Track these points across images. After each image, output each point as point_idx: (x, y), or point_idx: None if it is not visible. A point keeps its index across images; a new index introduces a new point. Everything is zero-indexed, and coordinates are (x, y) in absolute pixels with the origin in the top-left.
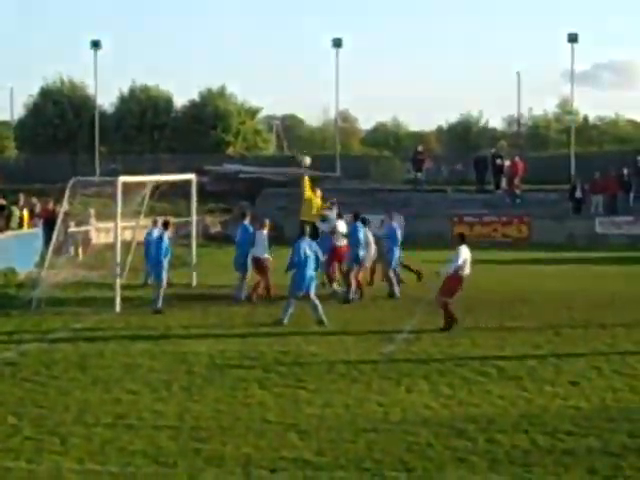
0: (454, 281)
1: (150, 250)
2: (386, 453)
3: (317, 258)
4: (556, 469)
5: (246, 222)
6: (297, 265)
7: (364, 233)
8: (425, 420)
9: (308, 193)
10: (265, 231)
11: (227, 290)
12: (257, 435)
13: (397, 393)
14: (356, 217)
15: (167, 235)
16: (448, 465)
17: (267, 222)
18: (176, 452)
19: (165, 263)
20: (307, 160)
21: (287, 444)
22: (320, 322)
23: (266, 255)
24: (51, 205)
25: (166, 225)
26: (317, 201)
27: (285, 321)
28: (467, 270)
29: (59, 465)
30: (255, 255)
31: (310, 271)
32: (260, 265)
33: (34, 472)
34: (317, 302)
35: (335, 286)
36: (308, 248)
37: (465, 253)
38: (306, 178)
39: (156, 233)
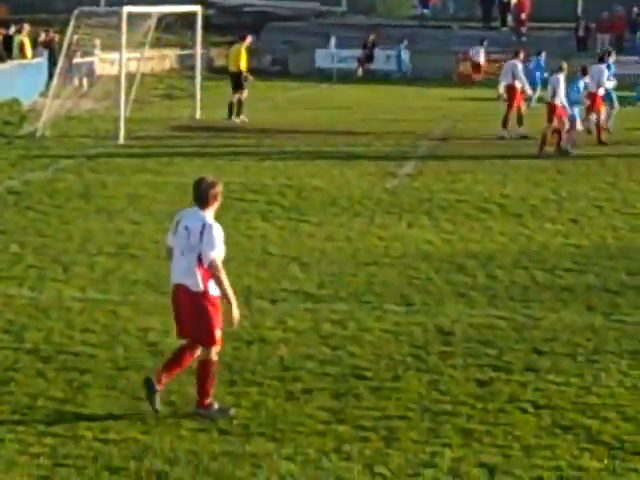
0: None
1: None
2: (386, 286)
3: None
4: (554, 305)
5: None
6: None
7: None
8: (426, 255)
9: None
10: None
11: (230, 122)
12: (258, 266)
13: (399, 228)
14: None
15: None
16: (447, 300)
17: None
18: None
19: None
20: None
21: (288, 276)
22: None
23: None
24: (55, 35)
25: None
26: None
27: None
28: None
29: (61, 293)
30: None
31: None
32: None
33: (36, 299)
34: None
35: None
36: None
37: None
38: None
39: None
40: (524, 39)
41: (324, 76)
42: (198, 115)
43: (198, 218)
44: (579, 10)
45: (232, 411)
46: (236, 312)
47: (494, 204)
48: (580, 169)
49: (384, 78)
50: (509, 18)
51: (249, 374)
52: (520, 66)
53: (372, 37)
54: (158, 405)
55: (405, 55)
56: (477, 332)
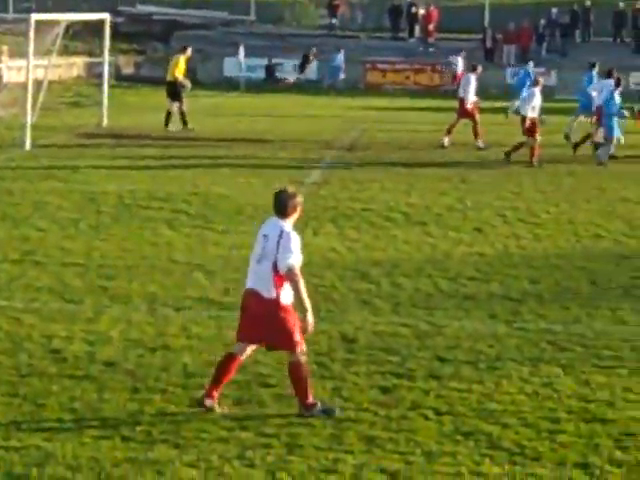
0: None
1: None
2: None
3: None
4: (457, 313)
5: None
6: None
7: None
8: (330, 263)
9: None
10: None
11: (137, 131)
12: (163, 274)
13: (304, 236)
14: None
15: None
16: (351, 307)
17: None
18: (82, 289)
19: None
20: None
21: (193, 283)
22: None
23: None
24: None
25: None
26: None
27: None
28: None
29: None
30: None
31: None
32: None
33: None
34: None
35: None
36: None
37: None
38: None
39: None
40: (432, 49)
41: (232, 85)
42: (105, 123)
43: (277, 227)
44: (486, 21)
45: (338, 410)
46: (311, 319)
47: (399, 213)
48: (484, 179)
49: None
50: (417, 29)
51: (152, 381)
52: (472, 79)
53: (314, 50)
54: (224, 409)
55: (340, 63)
56: (380, 339)
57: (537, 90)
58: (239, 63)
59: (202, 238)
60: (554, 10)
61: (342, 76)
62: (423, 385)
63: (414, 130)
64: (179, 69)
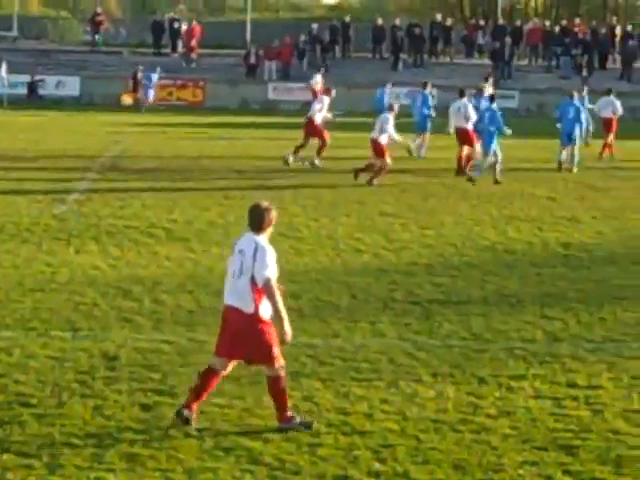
0: None
1: None
2: (53, 313)
3: None
4: (218, 329)
5: None
6: None
7: None
8: (92, 281)
9: None
10: None
11: None
12: None
13: (66, 254)
14: None
15: None
16: (113, 325)
17: None
18: None
19: None
20: None
21: None
22: None
23: None
24: None
25: None
26: None
27: None
28: None
29: None
30: None
31: None
32: None
33: None
34: None
35: None
36: None
37: None
38: None
39: None
40: (194, 65)
41: None
42: None
43: (252, 241)
44: (248, 37)
45: (315, 424)
46: (288, 330)
47: (161, 229)
48: (246, 194)
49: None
50: (180, 44)
51: None
52: (326, 100)
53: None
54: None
55: None
56: (142, 357)
57: (391, 116)
58: (1, 79)
59: None
60: (314, 26)
61: None
62: (184, 402)
63: (177, 146)
64: None
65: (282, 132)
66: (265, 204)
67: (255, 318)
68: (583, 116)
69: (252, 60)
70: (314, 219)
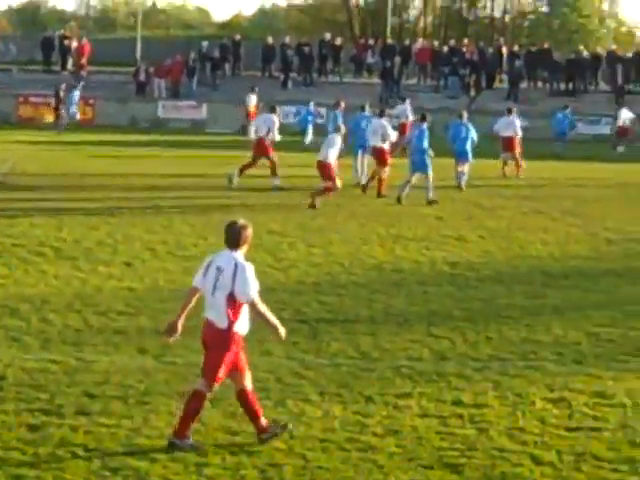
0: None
1: None
2: None
3: None
4: (106, 348)
5: None
6: None
7: None
8: None
9: None
10: None
11: None
12: None
13: None
14: None
15: None
16: (1, 343)
17: None
18: None
19: None
20: None
21: None
22: None
23: None
24: None
25: None
26: None
27: None
28: None
29: None
30: None
31: None
32: None
33: None
34: None
35: None
36: None
37: None
38: None
39: None
40: (83, 83)
41: None
42: None
43: (231, 259)
44: (138, 55)
45: (202, 447)
46: (282, 330)
47: (50, 247)
48: (134, 211)
49: None
50: (70, 61)
51: None
52: (275, 119)
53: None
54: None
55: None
56: (29, 376)
57: (338, 136)
58: None
59: None
60: (204, 43)
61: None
62: (72, 422)
63: (67, 164)
64: None
65: (171, 150)
66: (242, 222)
67: (225, 333)
68: (474, 135)
69: (142, 77)
70: (203, 237)
